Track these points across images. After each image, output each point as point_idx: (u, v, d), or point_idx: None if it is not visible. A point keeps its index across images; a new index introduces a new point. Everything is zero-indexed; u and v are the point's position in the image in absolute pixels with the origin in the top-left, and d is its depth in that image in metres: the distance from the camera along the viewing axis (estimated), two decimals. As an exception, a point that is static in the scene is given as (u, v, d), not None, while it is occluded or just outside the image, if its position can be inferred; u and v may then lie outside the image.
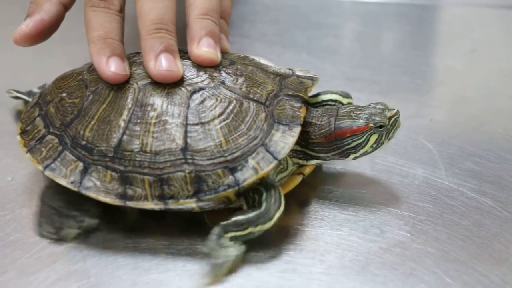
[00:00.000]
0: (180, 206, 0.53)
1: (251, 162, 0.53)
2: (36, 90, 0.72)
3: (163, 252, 0.53)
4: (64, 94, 0.57)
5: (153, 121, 0.54)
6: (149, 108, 0.54)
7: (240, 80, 0.56)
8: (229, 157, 0.53)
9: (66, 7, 0.61)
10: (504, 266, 0.53)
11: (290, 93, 0.57)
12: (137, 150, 0.53)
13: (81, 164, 0.54)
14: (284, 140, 0.54)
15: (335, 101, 0.64)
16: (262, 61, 0.61)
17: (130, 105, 0.54)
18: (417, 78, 0.89)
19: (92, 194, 0.53)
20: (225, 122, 0.54)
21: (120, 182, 0.53)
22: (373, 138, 0.58)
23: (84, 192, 0.53)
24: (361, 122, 0.58)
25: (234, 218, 0.52)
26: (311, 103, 0.64)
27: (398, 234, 0.56)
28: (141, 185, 0.53)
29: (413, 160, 0.68)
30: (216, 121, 0.54)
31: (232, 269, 0.52)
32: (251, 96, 0.56)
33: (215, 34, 0.58)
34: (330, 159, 0.59)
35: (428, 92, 0.86)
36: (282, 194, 0.54)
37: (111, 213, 0.56)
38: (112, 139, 0.54)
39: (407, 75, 0.90)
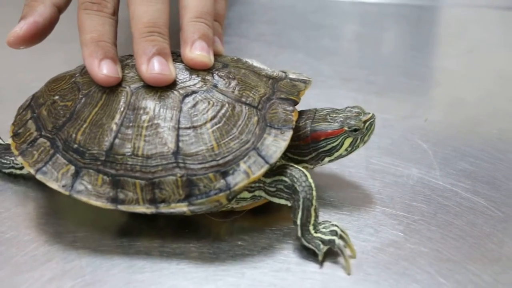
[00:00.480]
0: (172, 210, 0.53)
1: (243, 166, 0.53)
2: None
3: (157, 251, 0.54)
4: (57, 97, 0.58)
5: (145, 124, 0.54)
6: (141, 111, 0.54)
7: (233, 83, 0.56)
8: (220, 161, 0.53)
9: (60, 9, 0.62)
10: (496, 266, 0.53)
11: (282, 96, 0.57)
12: (128, 153, 0.53)
13: (72, 168, 0.54)
14: (276, 144, 0.54)
15: None
16: (255, 63, 0.61)
17: (122, 109, 0.54)
18: (413, 79, 0.89)
19: (83, 198, 0.53)
20: (217, 126, 0.54)
21: (111, 185, 0.53)
22: (348, 142, 0.59)
23: (75, 196, 0.53)
24: (335, 125, 0.58)
25: (298, 222, 0.53)
26: None
27: (391, 233, 0.56)
28: (132, 189, 0.53)
29: (408, 160, 0.68)
30: (208, 125, 0.54)
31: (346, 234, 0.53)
32: (243, 99, 0.56)
33: (209, 37, 0.58)
34: (311, 165, 0.60)
35: (424, 92, 0.86)
36: (294, 165, 0.55)
37: (105, 214, 0.57)
38: (104, 142, 0.54)
39: (404, 76, 0.90)
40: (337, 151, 0.59)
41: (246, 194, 0.56)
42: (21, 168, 0.62)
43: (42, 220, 0.57)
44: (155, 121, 0.54)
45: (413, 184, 0.64)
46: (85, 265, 0.52)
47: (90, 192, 0.53)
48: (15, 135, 0.58)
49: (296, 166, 0.56)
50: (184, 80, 0.56)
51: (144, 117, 0.54)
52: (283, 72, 0.62)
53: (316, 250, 0.53)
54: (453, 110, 0.81)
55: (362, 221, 0.58)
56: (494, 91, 0.86)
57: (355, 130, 0.58)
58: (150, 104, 0.54)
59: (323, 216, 0.59)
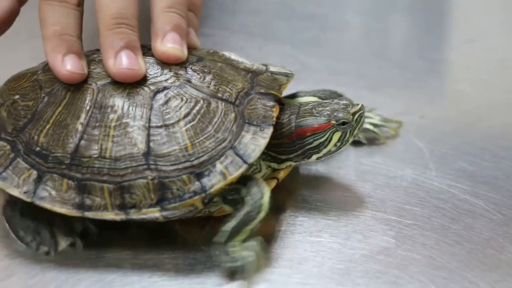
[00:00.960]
0: (143, 216, 0.53)
1: (219, 166, 0.53)
2: None
3: (128, 263, 0.54)
4: (17, 97, 0.58)
5: (113, 124, 0.54)
6: (108, 110, 0.54)
7: (208, 78, 0.57)
8: (195, 162, 0.53)
9: (20, 2, 0.62)
10: (495, 273, 0.54)
11: (262, 91, 0.58)
12: (95, 156, 0.53)
13: (35, 173, 0.54)
14: (255, 142, 0.54)
15: None
16: (233, 56, 0.62)
17: (88, 107, 0.55)
18: (408, 72, 0.90)
19: (47, 205, 0.53)
20: (191, 124, 0.54)
21: (77, 191, 0.53)
22: (336, 136, 0.59)
23: (38, 202, 0.54)
24: (322, 119, 0.58)
25: (227, 229, 0.53)
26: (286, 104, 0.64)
27: (382, 240, 0.57)
28: (100, 194, 0.53)
29: (402, 160, 0.68)
30: (181, 123, 0.54)
31: (263, 263, 0.53)
32: (219, 95, 0.56)
33: (181, 29, 0.58)
34: (296, 162, 0.60)
35: (420, 86, 0.86)
36: (261, 180, 0.55)
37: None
38: (68, 144, 0.54)
39: (399, 69, 0.91)
40: (325, 147, 0.59)
41: (217, 198, 0.56)
42: None
43: (2, 232, 0.57)
44: (124, 120, 0.54)
45: (406, 185, 0.64)
46: (49, 280, 0.52)
47: (54, 198, 0.54)
48: None
49: (262, 182, 0.55)
50: (155, 75, 0.56)
51: (111, 116, 0.54)
52: (263, 65, 0.63)
53: (224, 264, 0.52)
54: (451, 104, 0.82)
55: (350, 226, 0.58)
56: (495, 82, 0.86)
57: (344, 123, 0.58)
58: (118, 102, 0.55)
59: (308, 222, 0.59)
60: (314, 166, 0.66)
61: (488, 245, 0.56)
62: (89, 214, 0.53)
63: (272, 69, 0.62)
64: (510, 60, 0.94)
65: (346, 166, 0.67)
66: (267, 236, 0.57)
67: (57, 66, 0.55)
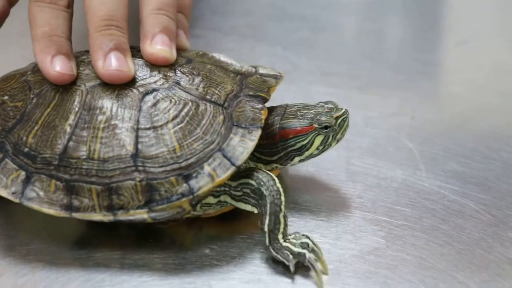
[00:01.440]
0: (131, 217, 0.53)
1: (207, 168, 0.54)
2: None
3: (117, 263, 0.54)
4: (6, 97, 0.58)
5: (102, 125, 0.54)
6: (97, 111, 0.55)
7: (197, 80, 0.57)
8: (183, 164, 0.54)
9: (11, 3, 0.62)
10: (484, 273, 0.54)
11: (251, 93, 0.58)
12: (84, 157, 0.54)
13: (23, 173, 0.55)
14: (243, 144, 0.55)
15: None
16: (223, 58, 0.62)
17: (77, 109, 0.55)
18: (400, 73, 0.90)
19: (34, 206, 0.54)
20: (179, 126, 0.55)
21: (65, 192, 0.54)
22: (319, 140, 0.59)
23: (26, 203, 0.54)
24: (305, 122, 0.59)
25: (266, 229, 0.54)
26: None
27: (372, 240, 0.57)
28: (88, 195, 0.54)
29: (392, 161, 0.69)
30: (170, 125, 0.54)
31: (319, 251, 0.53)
32: (208, 97, 0.56)
33: (171, 31, 0.58)
34: (281, 165, 0.60)
35: (412, 87, 0.87)
36: (261, 168, 0.57)
37: (61, 224, 0.57)
38: (57, 145, 0.54)
39: (390, 70, 0.91)
40: (307, 150, 0.60)
41: (211, 200, 0.57)
42: None
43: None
44: (112, 122, 0.54)
45: (397, 186, 0.65)
46: (39, 279, 0.53)
47: (42, 199, 0.54)
48: None
49: (264, 169, 0.57)
50: (144, 77, 0.57)
51: (100, 117, 0.55)
52: (253, 67, 0.63)
53: (286, 262, 0.53)
54: (442, 106, 0.83)
55: (340, 227, 0.59)
56: (487, 84, 0.87)
57: (326, 127, 0.59)
58: (107, 103, 0.55)
59: (298, 222, 0.59)
60: (305, 167, 0.67)
61: (478, 246, 0.57)
62: (77, 215, 0.54)
63: (261, 71, 0.62)
64: (502, 63, 0.94)
65: (337, 167, 0.67)
66: (256, 236, 0.57)
67: (46, 67, 0.56)
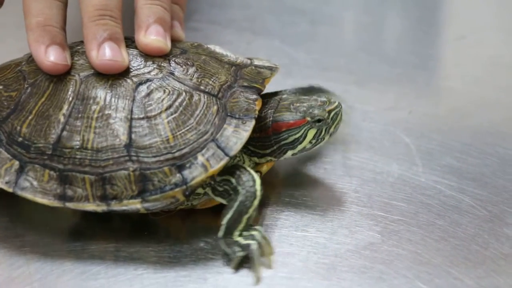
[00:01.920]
0: (124, 207, 0.53)
1: (201, 159, 0.54)
2: None
3: (112, 256, 0.54)
4: (0, 87, 0.58)
5: (95, 115, 0.54)
6: (91, 101, 0.55)
7: (191, 70, 0.57)
8: (176, 154, 0.54)
9: None
10: (480, 269, 0.54)
11: (245, 84, 0.58)
12: (77, 146, 0.54)
13: (17, 163, 0.55)
14: (237, 135, 0.55)
15: None
16: (218, 49, 0.62)
17: (71, 98, 0.55)
18: (398, 67, 0.90)
19: (28, 195, 0.54)
20: (173, 116, 0.55)
21: (58, 181, 0.54)
22: (311, 133, 0.59)
23: (20, 193, 0.54)
24: (298, 115, 0.59)
25: (224, 222, 0.54)
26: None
27: (368, 235, 0.57)
28: (81, 185, 0.54)
29: (389, 155, 0.69)
30: (163, 115, 0.54)
31: (268, 250, 0.53)
32: (202, 87, 0.56)
33: (165, 21, 0.58)
34: (275, 157, 0.60)
35: (410, 82, 0.87)
36: (248, 167, 0.56)
37: (56, 216, 0.57)
38: (50, 135, 0.54)
39: (387, 64, 0.91)
40: (300, 143, 0.59)
41: (200, 190, 0.57)
42: None
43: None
44: (106, 112, 0.54)
45: (393, 181, 0.65)
46: (34, 271, 0.53)
47: (36, 188, 0.54)
48: None
49: (250, 170, 0.56)
50: (138, 67, 0.57)
51: (94, 107, 0.55)
52: (248, 59, 0.63)
53: (231, 255, 0.53)
54: (440, 101, 0.82)
55: (336, 222, 0.59)
56: (484, 79, 0.87)
57: (319, 120, 0.59)
58: (100, 93, 0.55)
59: (294, 216, 0.59)
60: (301, 161, 0.67)
61: (474, 241, 0.57)
62: (70, 205, 0.54)
63: (256, 62, 0.62)
64: (501, 57, 0.94)
65: (333, 161, 0.67)
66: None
67: (40, 57, 0.56)
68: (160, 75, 0.56)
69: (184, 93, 0.56)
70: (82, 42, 0.59)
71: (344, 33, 1.04)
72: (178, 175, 0.53)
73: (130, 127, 0.54)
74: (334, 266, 0.54)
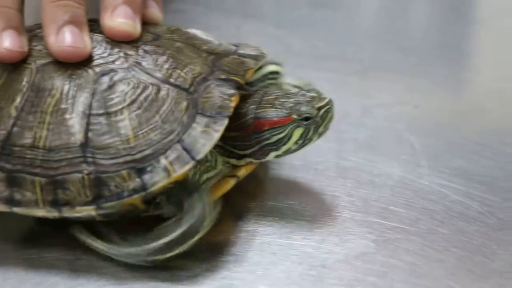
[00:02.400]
0: (77, 214, 0.53)
1: (163, 162, 0.53)
2: None
3: (72, 264, 0.55)
4: None
5: (50, 109, 0.54)
6: (46, 93, 0.55)
7: (161, 60, 0.57)
8: (137, 156, 0.54)
9: None
10: (485, 283, 0.54)
11: (222, 76, 0.57)
12: (28, 145, 0.54)
13: None
14: (206, 136, 0.54)
15: (276, 73, 0.66)
16: (199, 34, 0.62)
17: (24, 90, 0.55)
18: (413, 56, 0.90)
19: None
20: (135, 112, 0.54)
21: (6, 183, 0.54)
22: (298, 133, 0.58)
23: None
24: (283, 112, 0.58)
25: (166, 239, 0.53)
26: (250, 82, 0.64)
27: (360, 244, 0.57)
28: (31, 188, 0.54)
29: (390, 155, 0.69)
30: (125, 112, 0.54)
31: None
32: (172, 80, 0.56)
33: (135, 2, 0.58)
34: (256, 159, 0.60)
35: (421, 72, 0.86)
36: (207, 199, 0.55)
37: (9, 220, 0.58)
38: (0, 131, 0.54)
39: (399, 52, 0.91)
40: (284, 144, 0.59)
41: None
42: None
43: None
44: (62, 106, 0.54)
45: (392, 184, 0.65)
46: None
47: None
48: None
49: (209, 198, 0.55)
50: (102, 55, 0.56)
51: (49, 100, 0.54)
52: (234, 45, 0.62)
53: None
54: (456, 95, 0.82)
55: (326, 228, 0.59)
56: (505, 72, 0.87)
57: (307, 118, 0.58)
58: (57, 84, 0.55)
59: (279, 222, 0.59)
60: (289, 160, 0.66)
61: (480, 252, 0.57)
62: (18, 210, 0.54)
63: (241, 50, 0.61)
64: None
65: (326, 160, 0.67)
66: (230, 236, 0.58)
67: (-7, 43, 0.55)
68: (125, 65, 0.56)
69: (150, 87, 0.55)
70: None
71: (351, 18, 1.04)
72: (137, 180, 0.53)
73: (88, 124, 0.54)
74: (321, 278, 0.54)
